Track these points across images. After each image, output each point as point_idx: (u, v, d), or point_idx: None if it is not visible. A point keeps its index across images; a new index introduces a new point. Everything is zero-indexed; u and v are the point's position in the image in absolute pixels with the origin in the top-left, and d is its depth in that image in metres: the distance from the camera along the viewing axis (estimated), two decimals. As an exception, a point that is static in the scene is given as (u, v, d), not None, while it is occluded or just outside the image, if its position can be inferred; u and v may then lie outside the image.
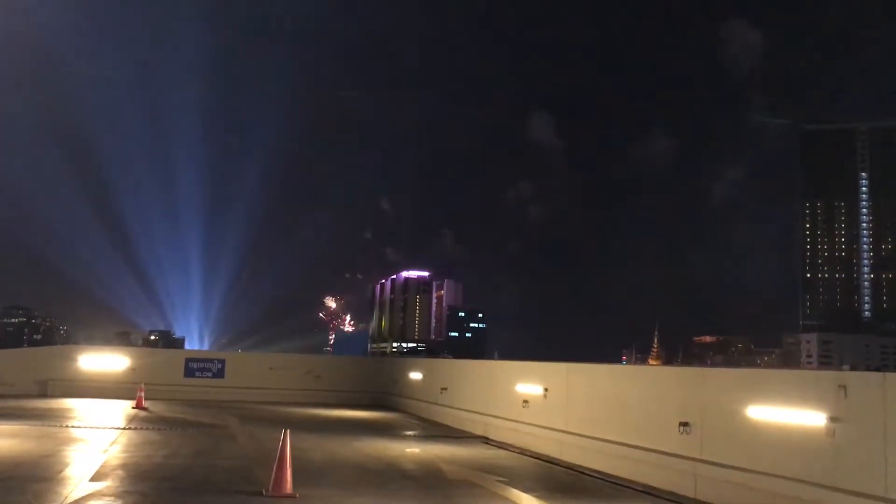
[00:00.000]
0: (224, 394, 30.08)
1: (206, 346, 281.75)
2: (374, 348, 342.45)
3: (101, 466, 13.34)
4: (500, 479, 14.19)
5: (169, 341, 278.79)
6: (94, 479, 12.13)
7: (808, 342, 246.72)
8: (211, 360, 31.94)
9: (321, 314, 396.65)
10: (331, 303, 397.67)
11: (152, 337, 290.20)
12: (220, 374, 31.29)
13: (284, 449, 11.32)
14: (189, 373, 31.06)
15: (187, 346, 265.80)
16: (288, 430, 11.48)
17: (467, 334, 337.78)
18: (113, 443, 16.60)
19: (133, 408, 24.50)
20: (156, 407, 25.10)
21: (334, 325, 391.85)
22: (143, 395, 25.21)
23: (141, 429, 19.51)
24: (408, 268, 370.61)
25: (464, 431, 22.21)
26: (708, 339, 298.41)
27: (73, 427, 19.28)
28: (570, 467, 15.99)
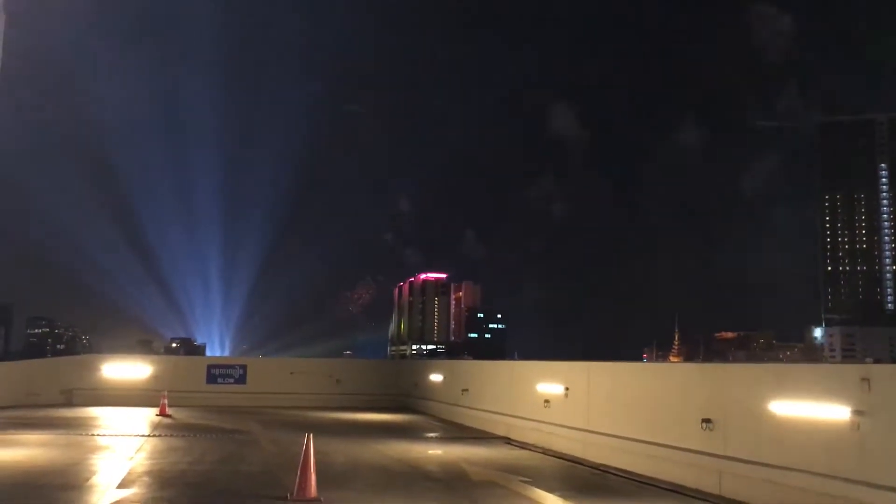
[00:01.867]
0: (246, 399, 30.23)
1: (226, 353, 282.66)
2: (393, 351, 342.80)
3: (128, 474, 13.48)
4: (524, 479, 14.19)
5: (190, 349, 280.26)
6: (120, 486, 12.26)
7: (831, 336, 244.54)
8: (232, 367, 32.13)
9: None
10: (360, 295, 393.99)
11: (174, 345, 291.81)
12: (241, 379, 31.45)
13: (308, 453, 11.38)
14: (211, 379, 31.24)
15: (208, 353, 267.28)
16: (311, 435, 11.55)
17: (487, 335, 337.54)
18: (138, 450, 16.76)
19: (157, 415, 24.67)
20: (179, 414, 25.27)
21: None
22: (166, 402, 25.37)
23: (165, 436, 19.67)
24: (429, 269, 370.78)
25: (486, 432, 22.21)
26: (729, 334, 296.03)
27: (98, 435, 19.48)
28: (593, 466, 15.96)
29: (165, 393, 25.89)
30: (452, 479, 14.30)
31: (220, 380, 31.29)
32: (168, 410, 25.16)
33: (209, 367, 32.06)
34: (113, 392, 29.05)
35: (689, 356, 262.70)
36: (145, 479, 13.16)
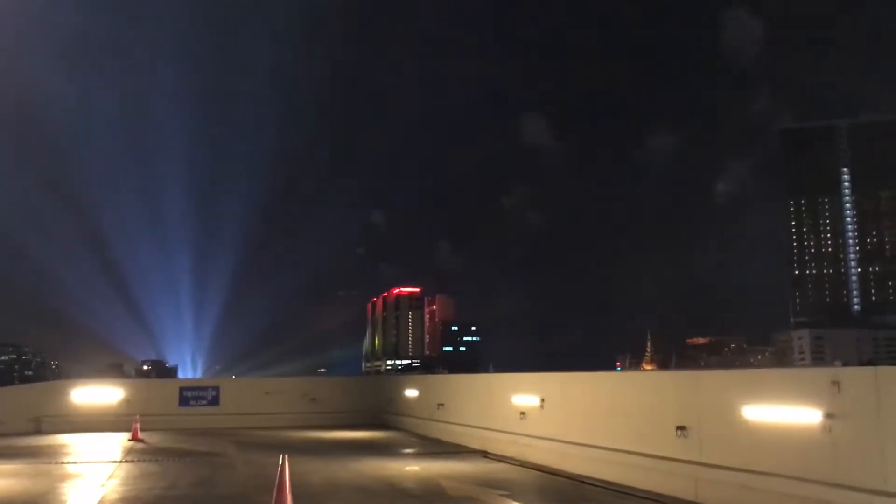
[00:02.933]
0: (220, 421, 29.91)
1: (199, 374, 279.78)
2: (368, 367, 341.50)
3: (100, 501, 13.24)
4: (502, 492, 14.17)
5: (162, 371, 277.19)
6: (93, 514, 12.05)
7: (800, 339, 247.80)
8: (205, 388, 31.75)
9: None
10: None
11: (145, 367, 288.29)
12: (215, 401, 31.09)
13: (283, 474, 11.26)
14: (184, 402, 30.85)
15: (180, 375, 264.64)
16: (286, 455, 11.44)
17: (461, 348, 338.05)
18: (111, 477, 16.47)
19: (129, 440, 24.32)
20: (152, 438, 24.92)
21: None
22: (138, 426, 25.03)
23: (138, 461, 19.37)
24: (403, 283, 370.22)
25: (462, 446, 22.16)
26: (701, 340, 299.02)
27: (69, 463, 19.12)
28: (571, 477, 15.98)
29: (137, 417, 25.53)
30: (430, 495, 14.24)
31: (192, 402, 30.91)
32: (140, 435, 24.81)
33: (182, 389, 31.65)
34: (83, 418, 28.55)
35: (662, 363, 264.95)
36: (118, 506, 12.93)
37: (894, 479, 9.34)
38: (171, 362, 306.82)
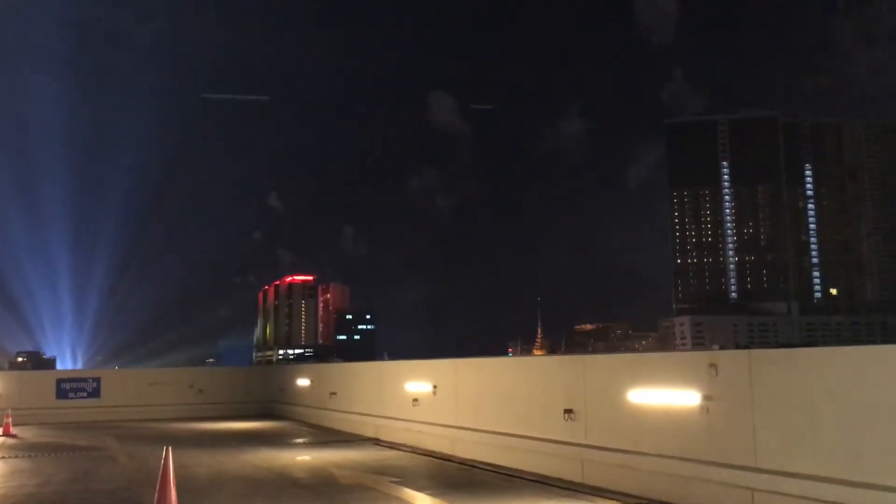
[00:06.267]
0: (101, 414, 28.73)
1: (80, 366, 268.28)
2: (259, 357, 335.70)
3: (-34, 501, 12.47)
4: (393, 479, 14.17)
5: (39, 363, 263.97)
6: (-43, 515, 11.33)
7: (682, 325, 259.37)
8: (85, 380, 30.39)
9: None
10: None
11: (20, 359, 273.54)
12: (95, 393, 29.81)
13: (167, 467, 10.87)
14: (62, 394, 29.43)
15: (59, 367, 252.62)
16: (170, 447, 11.05)
17: (356, 337, 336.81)
18: (-22, 475, 15.53)
19: (0, 436, 23.04)
20: (26, 433, 23.70)
21: None
22: (10, 421, 23.76)
23: (10, 457, 18.34)
24: (303, 269, 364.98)
25: (355, 435, 22.07)
26: (589, 326, 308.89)
27: (-68, 462, 17.91)
28: (462, 462, 16.15)
29: (9, 412, 24.21)
30: (321, 484, 14.09)
31: (71, 394, 29.53)
32: (13, 430, 23.58)
33: (59, 381, 30.17)
34: (-51, 414, 26.83)
35: (551, 349, 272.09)
36: (-14, 505, 12.22)
37: (764, 454, 9.86)
38: (48, 353, 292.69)
